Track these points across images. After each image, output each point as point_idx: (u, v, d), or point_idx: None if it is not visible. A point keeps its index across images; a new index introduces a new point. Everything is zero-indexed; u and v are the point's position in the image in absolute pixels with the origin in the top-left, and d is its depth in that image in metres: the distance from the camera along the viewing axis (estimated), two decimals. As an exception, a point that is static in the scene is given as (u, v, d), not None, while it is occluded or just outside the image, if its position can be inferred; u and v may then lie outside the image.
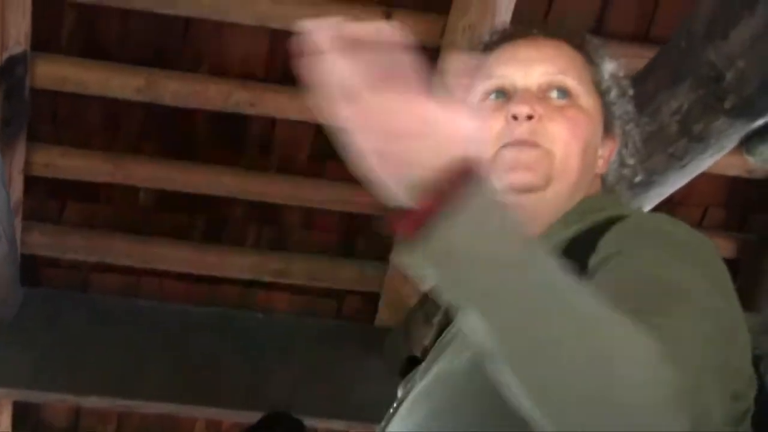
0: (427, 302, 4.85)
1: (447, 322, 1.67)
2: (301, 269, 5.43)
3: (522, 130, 1.65)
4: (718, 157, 3.04)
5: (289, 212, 5.37)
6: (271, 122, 5.06)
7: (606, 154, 1.74)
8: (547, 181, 1.64)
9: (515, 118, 1.65)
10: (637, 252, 1.40)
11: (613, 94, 1.75)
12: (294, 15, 4.60)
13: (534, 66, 1.70)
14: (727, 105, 2.86)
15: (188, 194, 5.20)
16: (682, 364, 1.17)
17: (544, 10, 4.70)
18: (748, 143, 3.05)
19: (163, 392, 5.06)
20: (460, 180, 1.15)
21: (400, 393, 1.66)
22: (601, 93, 1.73)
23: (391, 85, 1.13)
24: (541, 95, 1.68)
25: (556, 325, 1.15)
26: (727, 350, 1.31)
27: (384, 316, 5.46)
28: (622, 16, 4.71)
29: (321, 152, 5.20)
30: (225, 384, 5.07)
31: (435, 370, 1.54)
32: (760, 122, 2.94)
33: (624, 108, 1.77)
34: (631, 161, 1.77)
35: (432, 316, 4.75)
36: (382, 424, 1.64)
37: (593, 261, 1.43)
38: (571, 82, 1.70)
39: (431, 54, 4.54)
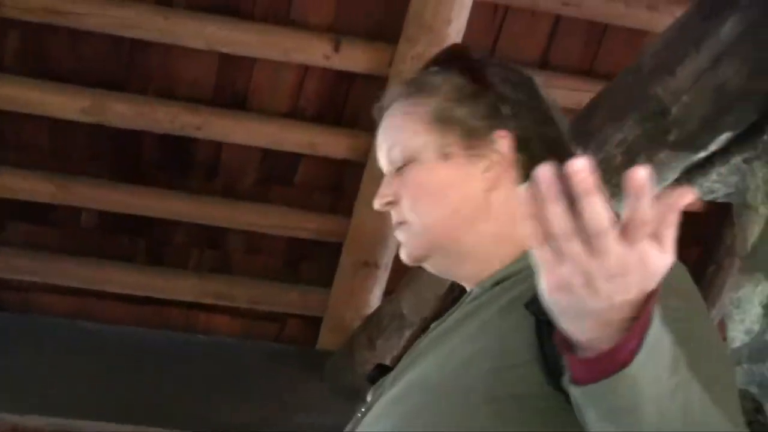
0: (370, 325, 4.89)
1: (419, 333, 1.71)
2: (243, 293, 5.44)
3: (393, 214, 1.73)
4: (659, 188, 3.10)
5: (233, 236, 5.38)
6: (218, 146, 5.07)
7: (503, 148, 1.68)
8: (426, 249, 1.68)
9: None
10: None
11: (465, 95, 1.72)
12: (242, 40, 4.65)
13: (380, 152, 1.78)
14: (671, 138, 2.93)
15: (133, 216, 5.19)
16: None
17: (492, 40, 4.77)
18: (688, 175, 3.11)
19: (105, 413, 5.03)
20: (648, 316, 1.17)
21: (369, 398, 1.68)
22: (447, 117, 1.70)
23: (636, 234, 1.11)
24: (395, 173, 1.74)
25: None
26: None
27: (326, 339, 5.48)
28: (567, 50, 4.79)
29: (267, 177, 5.22)
30: (167, 406, 5.05)
31: (408, 377, 1.57)
32: (701, 155, 3.02)
33: (505, 93, 1.72)
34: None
35: (375, 339, 4.81)
36: (348, 427, 1.67)
37: None
38: (398, 153, 1.71)
39: (379, 83, 4.60)
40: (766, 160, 2.83)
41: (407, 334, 4.55)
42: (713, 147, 2.97)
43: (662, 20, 4.15)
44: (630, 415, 1.20)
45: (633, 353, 1.15)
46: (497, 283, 1.61)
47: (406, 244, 1.71)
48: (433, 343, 1.59)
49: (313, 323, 5.56)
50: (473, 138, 1.69)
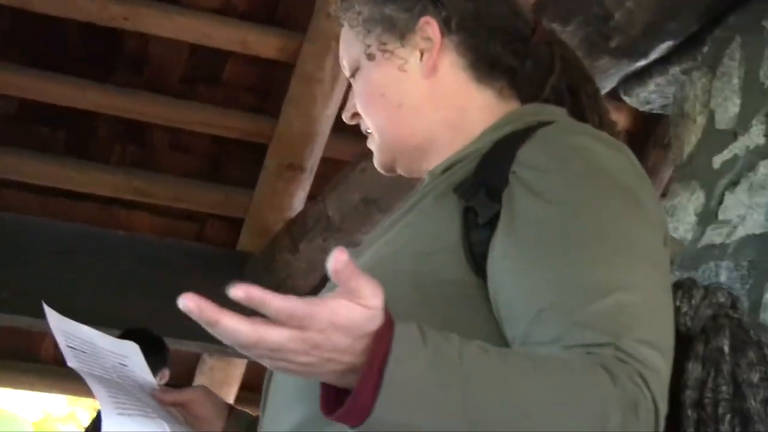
0: (294, 228, 4.83)
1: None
2: (165, 190, 5.35)
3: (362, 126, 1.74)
4: (599, 96, 3.07)
5: (158, 132, 5.28)
6: (145, 39, 4.94)
7: (430, 33, 1.64)
8: (388, 153, 1.67)
9: None
10: (561, 197, 1.38)
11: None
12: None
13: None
14: (613, 44, 2.88)
15: (54, 106, 5.05)
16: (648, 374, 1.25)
17: None
18: (625, 84, 3.08)
19: (15, 306, 4.93)
20: (378, 351, 1.19)
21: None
22: (375, 19, 1.69)
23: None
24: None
25: None
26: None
27: (246, 241, 5.42)
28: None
29: (194, 73, 5.11)
30: (81, 301, 4.94)
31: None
32: (641, 63, 2.98)
33: None
34: (494, 47, 1.64)
35: (298, 242, 4.75)
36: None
37: (513, 180, 1.42)
38: (346, 65, 1.73)
39: None
40: (706, 70, 2.80)
41: (332, 236, 4.49)
42: (654, 55, 2.94)
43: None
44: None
45: (373, 396, 1.18)
46: (445, 170, 1.57)
47: (374, 153, 1.71)
48: (380, 233, 1.58)
49: (235, 225, 5.49)
50: (400, 31, 1.67)
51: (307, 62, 4.89)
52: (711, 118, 2.71)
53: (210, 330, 1.18)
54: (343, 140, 5.14)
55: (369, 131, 1.70)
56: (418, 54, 1.65)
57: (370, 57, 1.67)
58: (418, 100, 1.64)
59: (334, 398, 1.23)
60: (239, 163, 5.37)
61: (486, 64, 1.65)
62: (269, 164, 5.19)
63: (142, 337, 4.60)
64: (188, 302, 1.16)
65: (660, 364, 1.27)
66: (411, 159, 1.67)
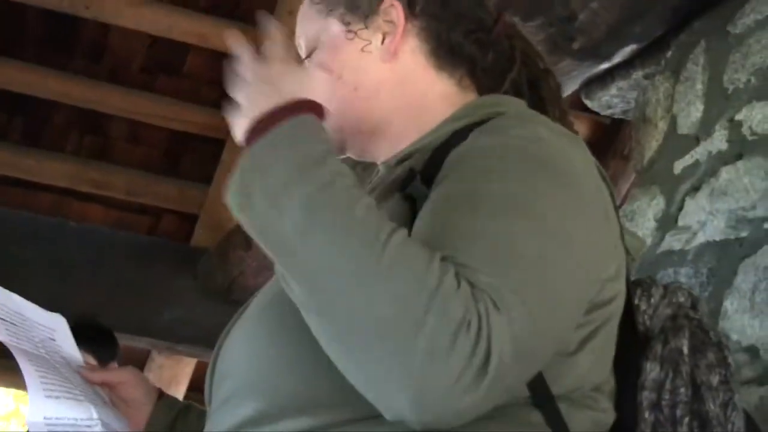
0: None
1: None
2: (120, 182, 5.26)
3: None
4: (561, 98, 3.03)
5: (115, 123, 5.19)
6: (106, 28, 4.86)
7: (393, 17, 1.59)
8: (340, 134, 1.60)
9: None
10: (467, 167, 1.32)
11: None
12: None
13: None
14: (576, 46, 2.84)
15: (9, 92, 4.96)
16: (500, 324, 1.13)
17: None
18: (587, 88, 3.03)
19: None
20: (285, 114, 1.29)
21: None
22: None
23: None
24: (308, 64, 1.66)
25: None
26: (560, 270, 1.23)
27: (200, 237, 5.34)
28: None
29: (154, 65, 5.03)
30: (31, 291, 4.85)
31: None
32: (604, 66, 2.94)
33: None
34: (456, 35, 1.60)
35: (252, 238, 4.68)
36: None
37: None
38: (303, 44, 1.66)
39: None
40: (669, 75, 2.76)
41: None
42: (617, 59, 2.90)
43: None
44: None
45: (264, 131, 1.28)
46: (400, 162, 1.53)
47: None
48: None
49: (189, 220, 5.41)
50: (361, 12, 1.61)
51: (268, 58, 4.82)
52: (673, 123, 2.67)
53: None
54: (302, 138, 5.07)
55: None
56: (380, 36, 1.59)
57: (338, 36, 1.61)
58: (375, 84, 1.59)
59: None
60: (197, 157, 5.29)
61: (447, 52, 1.59)
62: (226, 159, 5.12)
63: (93, 328, 4.54)
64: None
65: (522, 320, 1.14)
66: (362, 142, 1.61)
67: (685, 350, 1.40)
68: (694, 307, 1.47)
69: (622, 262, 1.38)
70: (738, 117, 2.42)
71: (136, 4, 4.74)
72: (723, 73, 2.51)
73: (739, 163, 2.37)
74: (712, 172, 2.44)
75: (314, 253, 1.18)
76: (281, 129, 1.28)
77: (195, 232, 5.37)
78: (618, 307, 1.36)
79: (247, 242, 4.70)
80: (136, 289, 5.05)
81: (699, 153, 2.53)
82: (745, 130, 2.39)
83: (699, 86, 2.59)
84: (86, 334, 4.38)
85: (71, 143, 5.26)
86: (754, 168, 2.34)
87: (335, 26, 1.61)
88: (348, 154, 1.66)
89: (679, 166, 2.58)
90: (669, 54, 2.80)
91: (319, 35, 1.62)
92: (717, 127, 2.47)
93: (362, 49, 1.59)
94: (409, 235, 1.27)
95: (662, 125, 2.71)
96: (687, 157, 2.56)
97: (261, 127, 1.29)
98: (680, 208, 2.52)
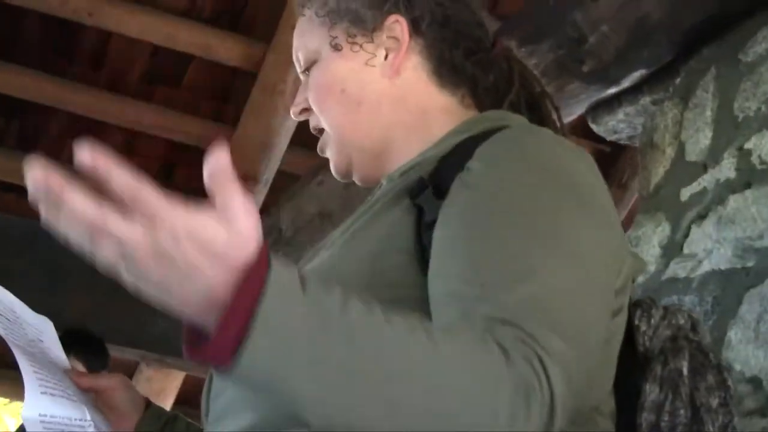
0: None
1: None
2: (115, 191, 5.20)
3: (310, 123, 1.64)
4: (565, 121, 2.99)
5: (111, 132, 5.14)
6: (107, 36, 4.82)
7: (398, 33, 1.57)
8: (344, 154, 1.59)
9: None
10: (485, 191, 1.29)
11: None
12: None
13: (294, 58, 1.67)
14: (585, 69, 2.81)
15: (6, 97, 4.90)
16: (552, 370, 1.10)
17: None
18: (594, 112, 3.00)
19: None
20: (248, 289, 1.01)
21: None
22: (339, 11, 1.61)
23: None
24: (306, 79, 1.64)
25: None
26: (599, 299, 1.24)
27: (194, 250, 5.28)
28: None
29: (154, 75, 4.99)
30: (24, 298, 4.80)
31: (306, 268, 1.47)
32: (612, 91, 2.91)
33: None
34: (458, 54, 1.58)
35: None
36: None
37: (460, 175, 1.34)
38: (301, 57, 1.63)
39: None
40: (678, 101, 2.73)
41: (281, 250, 4.38)
42: (626, 83, 2.86)
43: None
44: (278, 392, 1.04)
45: (242, 333, 1.00)
46: (403, 174, 1.50)
47: (330, 156, 1.63)
48: (335, 237, 1.50)
49: (183, 233, 5.35)
50: (366, 27, 1.60)
51: (270, 72, 4.79)
52: (681, 149, 2.63)
53: (52, 211, 0.99)
54: (300, 154, 5.04)
55: (319, 128, 1.62)
56: (383, 52, 1.58)
57: (336, 47, 1.59)
58: (378, 99, 1.57)
59: (197, 339, 1.04)
60: (193, 169, 5.24)
61: (450, 71, 1.58)
62: (224, 173, 5.07)
63: (84, 337, 4.49)
64: (35, 169, 0.99)
65: (569, 358, 1.12)
66: (368, 163, 1.59)
67: (685, 372, 1.38)
68: (693, 328, 1.45)
69: (628, 276, 1.37)
70: (747, 145, 2.38)
71: (139, 12, 4.70)
72: (733, 101, 2.47)
73: (748, 192, 2.33)
74: (720, 200, 2.40)
75: (378, 392, 1.07)
76: (267, 312, 1.01)
77: (188, 245, 5.31)
78: (621, 323, 1.35)
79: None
80: (128, 299, 4.93)
81: (707, 180, 2.49)
82: (754, 159, 2.36)
83: (708, 113, 2.56)
84: (77, 342, 4.36)
85: (67, 151, 5.20)
86: (763, 197, 2.31)
87: (340, 39, 1.59)
88: (354, 179, 1.64)
89: (686, 193, 2.54)
90: (677, 80, 2.76)
91: (320, 48, 1.60)
92: (726, 155, 2.43)
93: (366, 63, 1.58)
94: (423, 256, 1.30)
95: (670, 151, 2.68)
96: (694, 184, 2.52)
97: (232, 323, 1.01)
98: (686, 236, 2.48)
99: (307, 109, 1.63)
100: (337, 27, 1.60)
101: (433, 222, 1.32)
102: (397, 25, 1.58)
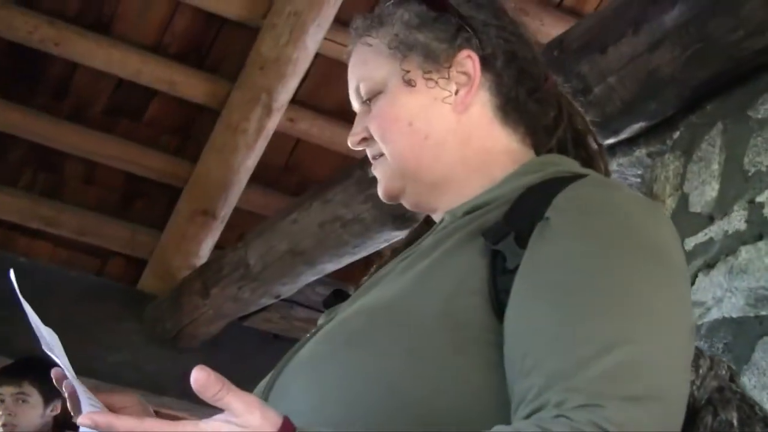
0: (208, 272, 4.65)
1: (381, 265, 1.59)
2: (71, 222, 5.11)
3: (368, 153, 1.63)
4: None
5: (72, 163, 5.06)
6: (72, 66, 4.76)
7: (469, 69, 1.56)
8: (400, 180, 1.58)
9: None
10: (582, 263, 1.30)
11: (425, 20, 1.60)
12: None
13: (350, 91, 1.66)
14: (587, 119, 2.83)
15: (-32, 123, 4.82)
16: None
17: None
18: (587, 162, 3.03)
19: None
20: None
21: (321, 321, 1.58)
22: (408, 44, 1.59)
23: None
24: (366, 109, 1.62)
25: None
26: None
27: (147, 282, 5.20)
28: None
29: (117, 108, 4.93)
30: (-28, 324, 4.70)
31: (361, 301, 1.47)
32: (608, 141, 2.94)
33: (467, 14, 1.60)
34: (522, 91, 1.57)
35: (211, 286, 4.57)
36: (296, 346, 1.53)
37: (542, 226, 1.34)
38: (364, 87, 1.61)
39: (249, 33, 4.44)
40: (679, 153, 2.77)
41: (247, 285, 4.34)
42: (624, 135, 2.90)
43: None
44: None
45: None
46: (468, 213, 1.49)
47: (381, 178, 1.61)
48: (395, 270, 1.48)
49: (138, 264, 5.28)
50: (436, 61, 1.58)
51: (233, 111, 4.77)
52: (684, 201, 2.67)
53: None
54: (258, 193, 5.03)
55: (377, 156, 1.60)
56: (454, 87, 1.57)
57: (410, 83, 1.56)
58: (444, 135, 1.56)
59: None
60: (151, 203, 5.18)
61: (514, 109, 1.58)
62: (181, 208, 5.02)
63: (39, 364, 4.38)
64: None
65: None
66: (423, 192, 1.58)
67: (735, 423, 1.38)
68: (732, 380, 1.46)
69: None
70: (759, 199, 2.43)
71: (106, 45, 4.66)
72: (743, 156, 2.52)
73: (761, 244, 2.37)
74: (730, 250, 2.44)
75: None
76: None
77: (142, 278, 5.24)
78: None
79: (205, 289, 4.60)
80: (81, 330, 4.89)
81: (713, 231, 2.53)
82: (766, 212, 2.40)
83: (715, 166, 2.60)
84: (32, 369, 4.26)
85: (25, 179, 5.11)
86: (775, 249, 2.35)
87: (413, 74, 1.57)
88: (401, 202, 1.62)
89: (690, 243, 2.58)
90: (676, 134, 2.80)
91: (388, 80, 1.58)
92: (736, 207, 2.48)
93: (436, 99, 1.56)
94: (498, 300, 1.32)
95: (670, 202, 2.72)
96: (700, 234, 2.56)
97: None
98: (692, 284, 2.51)
99: (366, 139, 1.61)
100: (409, 60, 1.58)
101: (514, 269, 1.32)
102: (469, 60, 1.57)
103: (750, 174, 2.49)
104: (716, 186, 2.58)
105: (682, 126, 2.80)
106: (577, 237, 1.31)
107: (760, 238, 2.40)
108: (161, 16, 4.68)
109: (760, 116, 2.53)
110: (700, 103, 2.73)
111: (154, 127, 4.98)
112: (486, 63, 1.58)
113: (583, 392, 1.17)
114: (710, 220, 2.57)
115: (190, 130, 4.99)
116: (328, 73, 4.82)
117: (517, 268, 1.32)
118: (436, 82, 1.57)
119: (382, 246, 3.75)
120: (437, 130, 1.56)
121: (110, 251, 5.29)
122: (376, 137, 1.59)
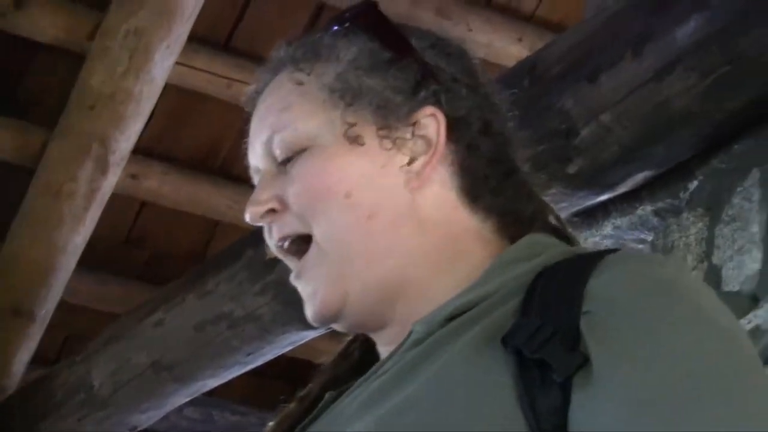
0: (34, 398, 4.59)
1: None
2: None
3: (273, 232, 1.63)
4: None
5: None
6: None
7: (431, 132, 1.61)
8: (342, 284, 1.58)
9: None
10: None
11: (378, 62, 1.64)
12: None
13: (254, 145, 1.67)
14: (571, 170, 2.86)
15: None
16: None
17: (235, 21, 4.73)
18: (571, 223, 3.06)
19: None
20: None
21: None
22: (354, 89, 1.63)
23: None
24: (278, 170, 1.63)
25: None
26: None
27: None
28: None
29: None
30: None
31: None
32: (602, 198, 2.97)
33: (433, 64, 1.65)
34: (497, 174, 1.65)
35: (39, 419, 4.51)
36: None
37: (594, 325, 1.38)
38: (282, 140, 1.62)
39: (72, 61, 4.46)
40: (702, 212, 2.81)
41: (91, 415, 4.28)
42: (623, 188, 2.93)
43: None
44: None
45: None
46: (451, 318, 1.50)
47: (312, 285, 1.61)
48: (366, 405, 1.48)
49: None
50: (390, 117, 1.61)
51: (53, 169, 4.75)
52: (715, 276, 2.71)
53: None
54: (93, 279, 4.99)
55: (288, 239, 1.61)
56: (405, 153, 1.60)
57: (356, 140, 1.59)
58: (395, 216, 1.59)
59: None
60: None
61: (485, 193, 1.63)
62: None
63: None
64: None
65: None
66: (371, 302, 1.59)
67: None
68: None
69: None
70: (821, 270, 2.49)
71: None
72: (792, 213, 2.58)
73: (829, 333, 2.43)
74: (786, 342, 2.49)
75: None
76: None
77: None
78: None
79: (29, 425, 4.54)
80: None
81: (761, 317, 2.57)
82: (830, 288, 2.46)
83: (755, 229, 2.64)
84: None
85: None
86: None
87: (360, 129, 1.59)
88: (338, 326, 1.63)
89: (729, 334, 2.61)
90: (694, 185, 2.84)
91: (320, 132, 1.60)
92: (789, 283, 2.53)
93: (385, 165, 1.59)
94: (540, 426, 1.34)
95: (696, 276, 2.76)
96: (742, 321, 2.60)
97: None
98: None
99: (275, 211, 1.61)
100: (354, 111, 1.60)
101: (564, 382, 1.34)
102: (433, 121, 1.61)
103: (805, 238, 2.55)
104: (758, 255, 2.63)
105: (700, 174, 2.83)
106: (651, 334, 1.36)
107: (825, 323, 2.45)
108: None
109: (810, 160, 2.59)
110: (726, 143, 2.77)
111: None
112: (454, 129, 1.61)
113: None
114: (754, 301, 2.61)
115: (-6, 197, 4.95)
116: (182, 110, 4.82)
117: (568, 379, 1.34)
118: (383, 145, 1.59)
119: (286, 351, 3.74)
120: (386, 209, 1.58)
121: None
122: (296, 209, 1.59)
